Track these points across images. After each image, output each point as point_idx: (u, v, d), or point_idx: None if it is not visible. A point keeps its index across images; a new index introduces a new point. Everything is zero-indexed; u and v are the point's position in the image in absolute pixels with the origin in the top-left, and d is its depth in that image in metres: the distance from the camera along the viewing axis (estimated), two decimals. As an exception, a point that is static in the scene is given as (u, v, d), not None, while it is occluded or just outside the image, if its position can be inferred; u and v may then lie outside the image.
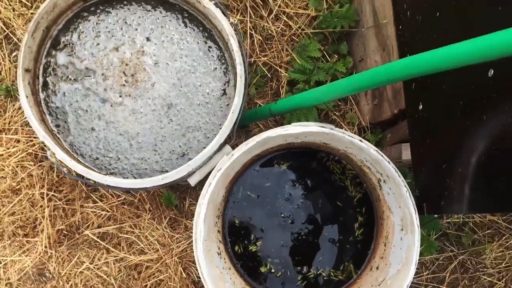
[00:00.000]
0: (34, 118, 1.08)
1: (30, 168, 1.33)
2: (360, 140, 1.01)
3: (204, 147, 1.09)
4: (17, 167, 1.33)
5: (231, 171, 1.11)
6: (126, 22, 1.21)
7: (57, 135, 1.17)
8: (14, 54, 1.37)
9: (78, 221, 1.34)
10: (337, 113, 1.38)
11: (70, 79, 1.18)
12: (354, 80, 0.87)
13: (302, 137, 1.09)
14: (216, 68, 1.22)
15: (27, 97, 1.09)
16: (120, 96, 1.18)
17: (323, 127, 1.01)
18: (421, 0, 0.98)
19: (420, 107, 1.01)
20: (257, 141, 1.00)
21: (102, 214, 1.33)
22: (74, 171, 1.08)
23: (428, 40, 0.97)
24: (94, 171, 1.09)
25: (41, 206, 1.33)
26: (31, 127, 1.35)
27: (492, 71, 0.76)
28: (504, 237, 1.38)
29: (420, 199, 1.06)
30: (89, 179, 1.07)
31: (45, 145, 1.10)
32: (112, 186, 1.08)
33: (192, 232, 1.34)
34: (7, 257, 1.32)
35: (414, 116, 1.06)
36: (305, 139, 1.13)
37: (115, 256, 1.33)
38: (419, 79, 1.02)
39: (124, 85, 1.19)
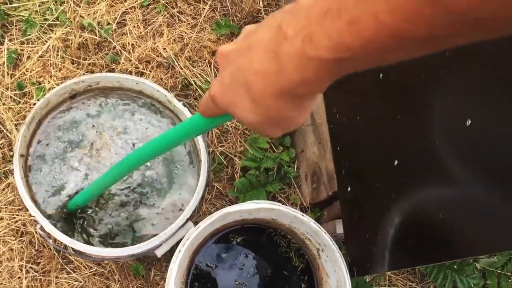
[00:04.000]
0: (27, 196, 1.27)
1: (11, 243, 1.49)
2: (302, 215, 1.25)
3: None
4: (-1, 241, 1.48)
5: (196, 241, 1.32)
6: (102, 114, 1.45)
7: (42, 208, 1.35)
8: (1, 141, 1.56)
9: (53, 291, 1.48)
10: (282, 195, 1.63)
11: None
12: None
13: (255, 213, 1.32)
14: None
15: (22, 178, 1.28)
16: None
17: (272, 204, 1.25)
18: (345, 106, 1.28)
19: (349, 189, 1.28)
20: (219, 215, 1.22)
21: (75, 285, 1.49)
22: (60, 242, 1.26)
23: (352, 137, 1.25)
24: (80, 242, 1.27)
25: (19, 278, 1.47)
26: (14, 206, 1.53)
27: (397, 161, 1.04)
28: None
29: (351, 265, 1.29)
30: (73, 248, 1.26)
31: (35, 220, 1.28)
32: (92, 255, 1.27)
33: (156, 300, 1.52)
34: (-17, 325, 1.44)
35: (344, 197, 1.32)
36: (257, 215, 1.36)
37: (85, 323, 1.48)
38: (348, 168, 1.29)
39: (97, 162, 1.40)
